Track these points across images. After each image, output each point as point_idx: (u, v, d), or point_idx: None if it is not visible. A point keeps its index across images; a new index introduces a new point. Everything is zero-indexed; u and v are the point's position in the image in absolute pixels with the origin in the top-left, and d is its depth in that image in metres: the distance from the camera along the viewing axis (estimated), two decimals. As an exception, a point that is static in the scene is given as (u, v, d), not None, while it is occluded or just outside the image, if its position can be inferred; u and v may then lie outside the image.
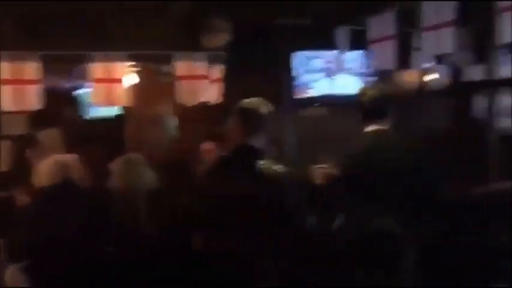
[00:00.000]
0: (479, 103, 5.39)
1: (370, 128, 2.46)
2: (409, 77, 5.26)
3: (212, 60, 3.86)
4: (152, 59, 3.82)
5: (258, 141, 2.25)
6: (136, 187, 2.83)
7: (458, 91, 5.34)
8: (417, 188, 2.36)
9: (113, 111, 4.17)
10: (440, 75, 5.17)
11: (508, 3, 2.46)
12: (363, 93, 2.51)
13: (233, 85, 4.00)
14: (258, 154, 2.24)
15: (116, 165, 2.92)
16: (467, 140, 5.17)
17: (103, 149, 3.76)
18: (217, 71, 3.91)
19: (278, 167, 2.23)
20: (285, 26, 4.19)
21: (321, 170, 2.31)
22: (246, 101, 2.31)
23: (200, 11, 3.45)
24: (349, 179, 2.48)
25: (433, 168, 2.48)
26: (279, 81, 4.58)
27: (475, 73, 5.33)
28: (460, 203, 4.02)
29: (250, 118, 2.25)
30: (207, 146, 3.76)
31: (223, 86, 3.89)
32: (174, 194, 3.06)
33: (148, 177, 2.92)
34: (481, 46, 4.60)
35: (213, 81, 3.90)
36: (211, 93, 3.91)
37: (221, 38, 3.69)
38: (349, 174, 2.46)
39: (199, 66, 3.76)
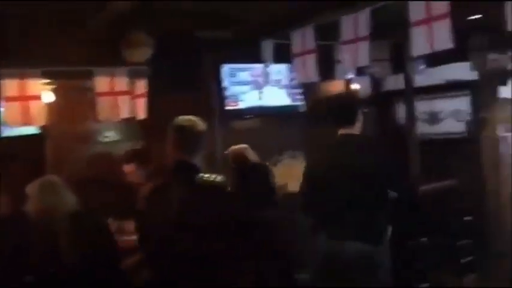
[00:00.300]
0: (399, 111, 5.68)
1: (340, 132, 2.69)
2: (333, 88, 5.44)
3: (134, 75, 3.75)
4: (71, 75, 3.65)
5: (195, 157, 2.26)
6: (54, 211, 2.70)
7: (379, 100, 5.60)
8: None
9: (29, 130, 3.93)
10: (361, 86, 5.40)
11: (420, 17, 2.60)
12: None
13: (158, 100, 3.92)
14: (197, 169, 2.24)
15: (32, 189, 2.77)
16: (390, 147, 5.43)
17: (20, 170, 3.54)
18: (140, 86, 3.80)
19: (218, 177, 2.26)
20: (210, 39, 4.18)
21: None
22: (182, 118, 2.32)
23: (120, 25, 3.34)
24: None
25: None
26: (207, 95, 4.56)
27: (395, 83, 5.62)
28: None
29: (186, 135, 2.27)
30: (128, 168, 3.64)
31: (147, 101, 3.79)
32: (95, 216, 2.93)
33: (67, 200, 2.79)
34: (398, 57, 4.86)
35: (136, 96, 3.79)
36: (134, 109, 3.80)
37: (143, 52, 3.61)
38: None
39: (120, 82, 3.64)
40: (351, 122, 2.71)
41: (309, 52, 3.41)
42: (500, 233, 4.67)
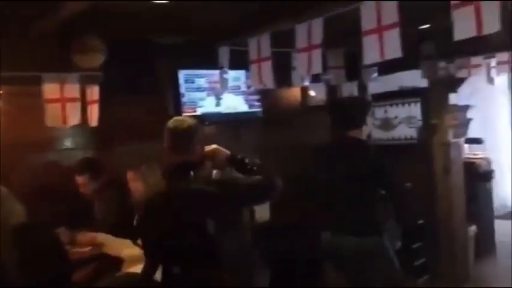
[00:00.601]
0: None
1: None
2: (290, 95, 5.49)
3: (86, 82, 3.65)
4: (20, 81, 3.50)
5: (190, 157, 2.26)
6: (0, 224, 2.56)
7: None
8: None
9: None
10: (318, 93, 5.48)
11: (371, 26, 2.65)
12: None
13: (111, 107, 3.83)
14: (192, 169, 2.24)
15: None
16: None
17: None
18: (92, 92, 3.69)
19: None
20: (166, 44, 4.12)
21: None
22: (175, 118, 2.35)
23: (71, 29, 3.24)
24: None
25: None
26: (163, 101, 4.49)
27: (350, 90, 5.74)
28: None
29: (177, 135, 2.27)
30: (81, 179, 3.53)
31: (100, 108, 3.69)
32: (45, 229, 2.81)
33: (14, 212, 2.65)
34: (353, 65, 4.98)
35: (88, 103, 3.68)
36: (85, 116, 3.69)
37: (95, 58, 3.51)
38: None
39: (71, 88, 3.53)
40: (358, 126, 2.92)
41: (265, 59, 3.42)
42: (451, 236, 4.84)
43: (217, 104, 4.81)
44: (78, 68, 3.56)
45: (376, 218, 2.86)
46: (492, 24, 2.16)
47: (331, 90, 5.65)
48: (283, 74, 4.12)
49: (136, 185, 3.12)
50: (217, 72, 4.28)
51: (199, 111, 4.73)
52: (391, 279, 2.84)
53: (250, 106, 5.08)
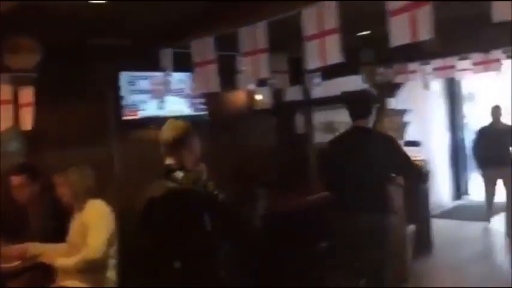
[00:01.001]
0: (299, 120, 5.90)
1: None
2: (236, 98, 5.49)
3: (19, 83, 3.45)
4: None
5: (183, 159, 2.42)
6: None
7: (280, 110, 5.77)
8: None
9: None
10: (264, 96, 5.52)
11: (312, 32, 2.69)
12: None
13: (47, 110, 3.65)
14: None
15: None
16: (290, 154, 5.61)
17: None
18: (26, 94, 3.50)
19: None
20: (106, 46, 3.99)
21: None
22: (169, 122, 2.50)
23: (3, 28, 3.05)
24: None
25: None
26: (103, 104, 4.34)
27: (294, 94, 5.82)
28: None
29: (170, 139, 2.44)
30: (16, 181, 3.34)
31: (34, 111, 3.50)
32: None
33: None
34: (297, 70, 5.04)
35: (21, 105, 3.48)
36: (20, 119, 3.49)
37: (29, 58, 3.33)
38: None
39: (2, 89, 3.32)
40: (365, 116, 3.31)
41: (209, 62, 3.38)
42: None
43: (160, 107, 4.71)
44: (9, 68, 3.36)
45: (387, 197, 3.27)
46: (426, 31, 2.25)
47: (276, 94, 5.70)
48: (228, 77, 4.10)
49: (63, 189, 3.01)
50: (160, 74, 4.19)
51: (140, 115, 4.62)
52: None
53: (195, 109, 5.02)
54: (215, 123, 5.05)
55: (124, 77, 4.51)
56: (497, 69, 4.85)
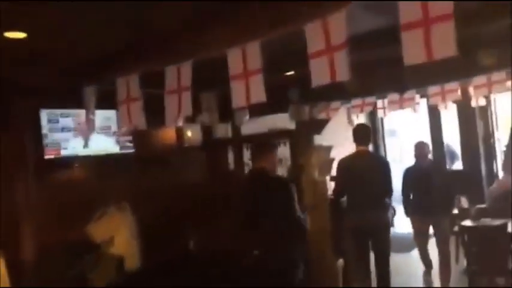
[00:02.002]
0: (228, 157, 5.93)
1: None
2: (165, 135, 5.43)
3: None
4: None
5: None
6: None
7: (209, 147, 5.77)
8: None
9: None
10: (192, 133, 5.51)
11: (237, 71, 2.74)
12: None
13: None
14: None
15: None
16: (221, 192, 5.58)
17: None
18: None
19: None
20: (27, 82, 3.82)
21: None
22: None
23: None
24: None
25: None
26: (21, 142, 4.12)
27: (224, 131, 5.86)
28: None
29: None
30: None
31: None
32: None
33: None
34: (226, 107, 5.09)
35: None
36: None
37: None
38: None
39: None
40: (366, 143, 4.62)
41: (134, 99, 3.33)
42: (321, 272, 5.05)
43: (86, 145, 4.54)
44: None
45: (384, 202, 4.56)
46: (344, 73, 2.37)
47: (206, 131, 5.71)
48: (155, 114, 4.06)
49: None
50: (84, 111, 4.06)
51: (63, 153, 4.43)
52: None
53: (122, 147, 4.90)
54: (143, 161, 4.94)
55: (45, 114, 4.33)
56: (412, 107, 5.20)
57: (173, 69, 2.98)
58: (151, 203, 4.76)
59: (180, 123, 5.10)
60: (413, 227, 5.25)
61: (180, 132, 5.54)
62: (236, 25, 2.69)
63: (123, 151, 4.89)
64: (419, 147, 5.10)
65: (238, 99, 2.76)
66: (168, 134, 5.48)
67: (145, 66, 3.16)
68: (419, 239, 5.27)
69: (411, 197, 5.17)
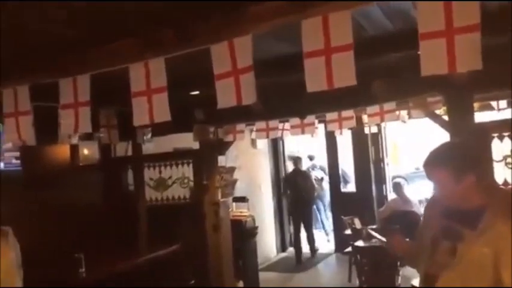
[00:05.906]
0: (128, 176, 5.66)
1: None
2: (58, 152, 5.04)
3: None
4: None
5: None
6: None
7: (108, 165, 5.47)
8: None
9: None
10: (89, 151, 5.18)
11: (140, 89, 2.61)
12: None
13: None
14: None
15: None
16: (119, 212, 5.29)
17: None
18: None
19: None
20: None
21: None
22: None
23: None
24: None
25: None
26: None
27: (124, 149, 5.60)
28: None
29: None
30: None
31: None
32: None
33: None
34: (127, 125, 4.87)
35: None
36: None
37: None
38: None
39: None
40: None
41: (23, 113, 3.03)
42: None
43: (-38, 161, 4.07)
44: None
45: None
46: (250, 97, 2.36)
47: (104, 149, 5.42)
48: (48, 130, 3.74)
49: None
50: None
51: None
52: None
53: (7, 164, 4.46)
54: (31, 179, 4.52)
55: None
56: (312, 132, 5.41)
57: (68, 82, 2.77)
58: (39, 228, 4.35)
59: (75, 140, 4.80)
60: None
61: (74, 150, 5.17)
62: (140, 39, 2.58)
63: (9, 168, 4.46)
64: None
65: (140, 117, 2.64)
66: (61, 151, 5.10)
67: (34, 77, 2.90)
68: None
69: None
